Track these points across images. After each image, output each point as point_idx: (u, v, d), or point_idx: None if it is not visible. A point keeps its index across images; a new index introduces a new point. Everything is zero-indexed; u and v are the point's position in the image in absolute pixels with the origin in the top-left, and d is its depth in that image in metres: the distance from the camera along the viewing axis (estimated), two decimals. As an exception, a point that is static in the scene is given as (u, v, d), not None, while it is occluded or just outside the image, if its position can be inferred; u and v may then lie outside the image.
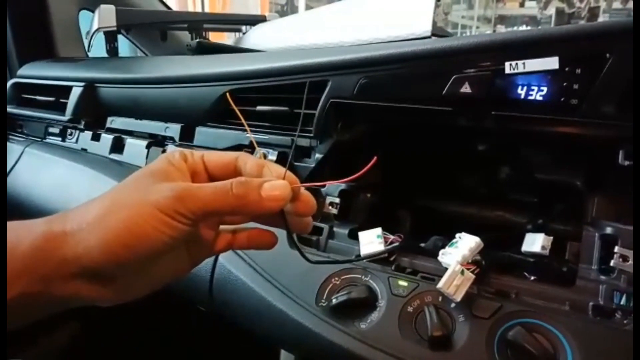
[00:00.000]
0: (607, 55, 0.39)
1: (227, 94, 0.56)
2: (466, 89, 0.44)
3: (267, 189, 0.31)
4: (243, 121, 0.39)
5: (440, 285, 0.38)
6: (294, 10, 4.34)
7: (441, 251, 0.42)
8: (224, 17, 1.59)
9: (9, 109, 0.96)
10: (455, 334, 0.38)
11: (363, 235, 0.47)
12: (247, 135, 0.61)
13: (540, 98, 0.42)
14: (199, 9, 2.78)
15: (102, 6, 1.04)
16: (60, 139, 0.88)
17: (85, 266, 0.28)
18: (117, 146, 0.77)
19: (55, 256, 0.28)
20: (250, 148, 0.61)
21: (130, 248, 0.28)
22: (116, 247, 0.28)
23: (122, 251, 0.28)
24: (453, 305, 0.39)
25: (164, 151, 0.70)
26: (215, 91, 0.64)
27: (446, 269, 0.39)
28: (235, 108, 0.42)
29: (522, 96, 0.42)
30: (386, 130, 0.56)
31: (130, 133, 0.78)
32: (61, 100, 0.88)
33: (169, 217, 0.28)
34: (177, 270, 0.34)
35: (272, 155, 0.58)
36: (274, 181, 0.31)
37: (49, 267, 0.28)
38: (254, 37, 1.06)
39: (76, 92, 0.85)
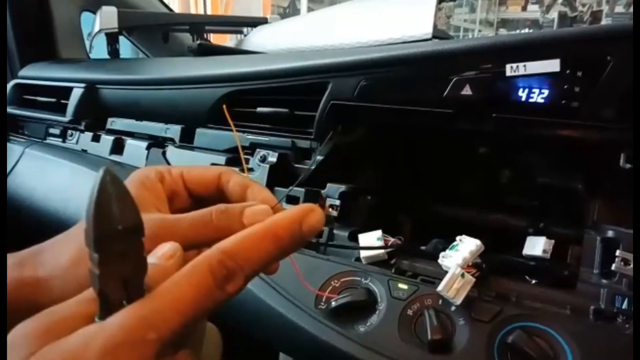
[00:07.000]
0: (608, 58, 0.39)
1: (224, 106, 0.55)
2: (467, 91, 0.44)
3: (248, 216, 0.28)
4: (232, 126, 0.38)
5: (440, 288, 0.38)
6: (295, 12, 4.35)
7: (441, 254, 0.42)
8: (225, 19, 1.60)
9: (10, 110, 0.96)
10: (455, 337, 0.38)
11: (363, 237, 0.47)
12: (248, 137, 0.61)
13: (541, 101, 0.42)
14: (201, 11, 2.80)
15: (104, 8, 1.04)
16: (60, 139, 0.88)
17: None
18: (118, 147, 0.77)
19: (29, 304, 0.27)
20: (250, 149, 0.61)
21: None
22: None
23: None
24: (453, 308, 0.39)
25: (164, 152, 0.70)
26: (216, 93, 0.64)
27: (446, 272, 0.39)
28: (228, 115, 0.42)
29: (523, 99, 0.42)
30: (387, 133, 0.56)
31: (131, 134, 0.78)
32: (62, 101, 0.88)
33: None
34: None
35: (273, 157, 0.58)
36: (255, 206, 0.29)
37: (23, 314, 0.26)
38: (255, 39, 1.06)
39: (77, 93, 0.85)
